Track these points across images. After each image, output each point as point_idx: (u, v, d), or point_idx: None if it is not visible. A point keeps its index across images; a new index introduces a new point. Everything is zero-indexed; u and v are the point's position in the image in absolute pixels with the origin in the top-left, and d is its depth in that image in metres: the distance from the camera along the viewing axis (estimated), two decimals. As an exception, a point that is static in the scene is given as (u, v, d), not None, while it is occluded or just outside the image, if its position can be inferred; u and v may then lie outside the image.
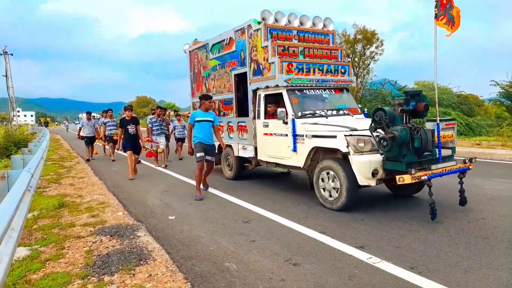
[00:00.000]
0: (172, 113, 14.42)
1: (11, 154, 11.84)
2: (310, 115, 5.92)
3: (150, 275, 3.26)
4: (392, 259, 3.43)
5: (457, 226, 4.33)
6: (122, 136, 8.60)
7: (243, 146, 7.19)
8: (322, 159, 5.45)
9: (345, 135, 4.87)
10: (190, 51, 9.30)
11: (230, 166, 7.86)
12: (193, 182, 7.60)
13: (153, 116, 10.68)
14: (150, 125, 10.20)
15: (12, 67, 42.92)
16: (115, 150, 12.53)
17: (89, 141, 12.58)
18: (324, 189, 5.28)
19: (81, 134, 12.67)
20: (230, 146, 7.58)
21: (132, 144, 8.53)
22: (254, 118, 6.76)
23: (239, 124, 7.32)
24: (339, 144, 4.95)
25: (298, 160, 5.76)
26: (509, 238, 3.91)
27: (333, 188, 5.10)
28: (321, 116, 5.97)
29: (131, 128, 8.43)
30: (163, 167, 9.84)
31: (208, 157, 6.37)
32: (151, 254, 3.74)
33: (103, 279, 3.20)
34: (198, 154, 6.25)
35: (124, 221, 4.95)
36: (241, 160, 7.53)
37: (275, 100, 6.45)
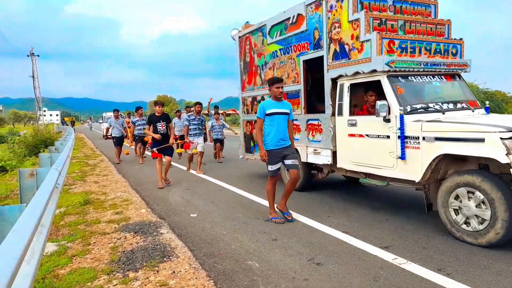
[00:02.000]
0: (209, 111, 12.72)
1: (39, 152, 12.23)
2: (422, 110, 4.45)
3: (174, 271, 3.29)
4: (418, 260, 3.34)
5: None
6: (149, 132, 7.32)
7: (315, 150, 5.73)
8: (453, 171, 4.04)
9: (501, 138, 3.42)
10: (240, 37, 7.80)
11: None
12: (217, 182, 7.70)
13: (191, 113, 9.26)
14: (187, 123, 8.79)
15: (38, 67, 44.34)
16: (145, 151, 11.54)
17: (118, 141, 11.52)
18: (456, 211, 3.83)
19: (109, 134, 11.83)
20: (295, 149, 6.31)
21: (162, 144, 7.20)
22: (334, 114, 5.33)
23: (309, 122, 5.89)
24: (492, 150, 3.45)
25: (408, 171, 4.26)
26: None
27: (476, 215, 3.62)
28: (436, 111, 4.50)
29: (161, 126, 7.21)
30: (198, 173, 8.58)
31: (289, 161, 4.69)
32: (174, 251, 3.78)
33: (128, 275, 3.25)
34: (271, 167, 4.72)
35: (147, 218, 5.03)
36: (309, 167, 6.15)
37: (366, 90, 5.19)
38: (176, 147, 8.02)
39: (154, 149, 7.19)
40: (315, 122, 5.74)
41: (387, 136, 4.50)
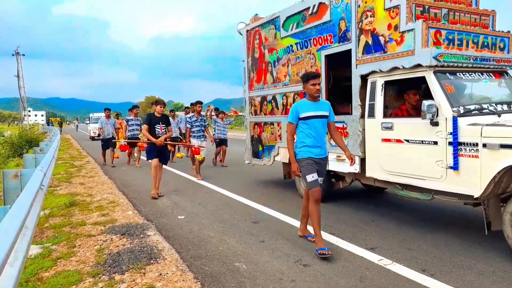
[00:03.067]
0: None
1: (23, 153, 12.01)
2: (476, 112, 3.89)
3: (160, 274, 3.27)
4: (403, 261, 3.39)
5: (471, 228, 4.27)
6: (147, 133, 6.41)
7: (338, 157, 5.05)
8: None
9: None
10: (248, 31, 7.08)
11: None
12: (205, 184, 7.66)
13: (192, 114, 8.44)
14: (189, 126, 8.07)
15: (24, 67, 43.54)
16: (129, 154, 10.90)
17: (107, 143, 10.74)
18: None
19: (101, 135, 10.91)
20: None
21: (159, 150, 6.40)
22: (363, 116, 4.71)
23: (336, 125, 4.88)
24: None
25: (462, 183, 3.66)
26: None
27: None
28: (491, 113, 3.95)
29: (160, 129, 6.42)
30: (198, 180, 7.87)
31: (319, 178, 3.81)
32: (161, 253, 3.76)
33: (114, 277, 3.22)
34: (310, 177, 3.72)
35: (134, 220, 4.98)
36: (329, 175, 5.38)
37: (404, 89, 4.57)
38: (177, 150, 7.49)
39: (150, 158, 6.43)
40: (340, 125, 4.96)
41: (433, 142, 3.89)
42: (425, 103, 3.74)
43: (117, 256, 3.69)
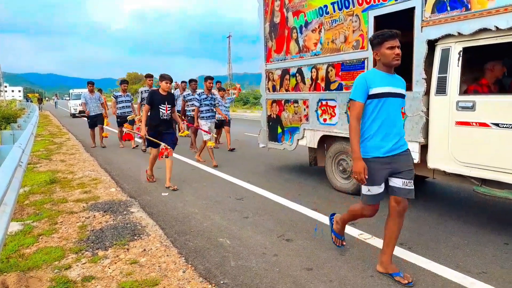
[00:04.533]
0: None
1: (0, 129, 11.65)
2: None
3: (144, 249, 3.29)
4: (382, 235, 3.48)
5: (449, 204, 4.42)
6: (146, 118, 5.43)
7: None
8: None
9: None
10: None
11: (347, 172, 5.02)
12: (190, 161, 7.65)
13: (202, 91, 7.21)
14: (197, 104, 7.07)
15: (-2, 40, 41.75)
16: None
17: (94, 121, 9.71)
18: None
19: (85, 112, 9.89)
20: (348, 139, 4.57)
21: (164, 133, 5.52)
22: (428, 93, 3.87)
23: None
24: None
25: None
26: (504, 216, 4.02)
27: None
28: None
29: (165, 110, 5.41)
30: (197, 159, 7.42)
31: (400, 183, 2.71)
32: (144, 229, 3.77)
33: (97, 253, 3.22)
34: (371, 190, 2.74)
35: (117, 197, 4.95)
36: None
37: (486, 58, 3.83)
38: (179, 131, 6.83)
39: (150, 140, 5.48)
40: None
41: None
42: None
43: (100, 233, 3.68)
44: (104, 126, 9.87)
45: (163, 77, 5.43)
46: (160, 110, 5.39)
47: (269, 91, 6.24)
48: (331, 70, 4.94)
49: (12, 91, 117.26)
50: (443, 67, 3.71)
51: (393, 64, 2.64)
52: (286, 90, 5.83)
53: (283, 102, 5.90)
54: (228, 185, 5.58)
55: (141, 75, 65.66)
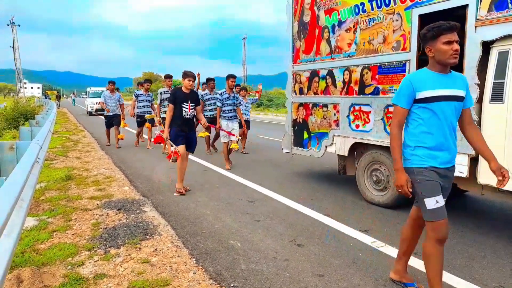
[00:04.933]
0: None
1: (19, 125, 11.91)
2: None
3: (156, 249, 3.30)
4: (396, 244, 3.42)
5: (464, 215, 4.32)
6: (170, 119, 5.12)
7: None
8: None
9: None
10: None
11: (381, 184, 4.62)
12: (203, 162, 7.66)
13: (224, 90, 6.86)
14: (219, 104, 6.75)
15: (19, 38, 42.82)
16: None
17: (111, 121, 9.50)
18: None
19: (104, 112, 9.71)
20: (386, 148, 4.41)
21: (187, 134, 5.24)
22: (480, 100, 3.56)
23: None
24: None
25: None
26: (515, 228, 3.91)
27: None
28: None
29: (188, 108, 5.16)
30: (227, 169, 6.80)
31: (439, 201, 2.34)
32: (156, 229, 3.79)
33: (109, 251, 3.25)
34: (432, 202, 2.33)
35: (130, 196, 5.00)
36: None
37: None
38: (207, 129, 6.31)
39: (172, 147, 5.10)
40: None
41: None
42: None
43: (113, 231, 3.72)
44: (120, 127, 9.64)
45: (186, 74, 5.20)
46: (183, 109, 5.14)
47: (296, 93, 5.92)
48: (367, 73, 4.61)
49: (32, 88, 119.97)
50: (500, 72, 3.40)
51: (449, 63, 2.29)
52: (315, 93, 5.50)
53: (310, 105, 5.59)
54: (240, 187, 5.57)
55: (156, 74, 66.40)
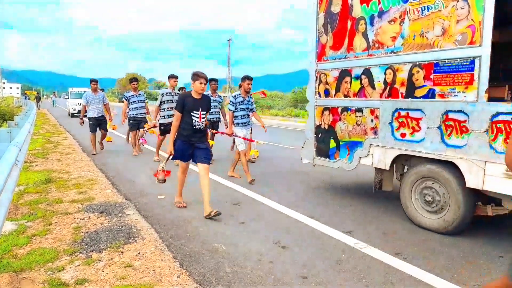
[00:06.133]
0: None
1: (-4, 126, 11.57)
2: None
3: (139, 253, 3.26)
4: (378, 245, 3.49)
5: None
6: (175, 130, 4.40)
7: (507, 172, 3.19)
8: None
9: None
10: None
11: (434, 204, 3.87)
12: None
13: (238, 93, 6.21)
14: (232, 108, 6.06)
15: (-3, 37, 41.65)
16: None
17: (97, 124, 8.54)
18: None
19: (88, 114, 8.59)
20: (449, 164, 3.66)
21: (196, 145, 4.47)
22: None
23: (497, 118, 3.24)
24: None
25: None
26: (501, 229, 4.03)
27: None
28: None
29: (198, 117, 4.37)
30: (229, 174, 6.38)
31: None
32: (139, 232, 3.74)
33: (91, 256, 3.19)
34: None
35: (112, 199, 4.92)
36: (473, 196, 3.62)
37: None
38: (211, 137, 5.64)
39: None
40: (510, 118, 3.13)
41: None
42: None
43: (94, 235, 3.65)
44: (109, 129, 8.95)
45: (197, 76, 4.27)
46: (193, 118, 4.34)
47: (320, 96, 5.10)
48: (418, 72, 3.85)
49: (10, 88, 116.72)
50: None
51: None
52: (345, 96, 4.72)
53: (339, 110, 4.81)
54: (225, 190, 5.56)
55: (140, 76, 65.55)
